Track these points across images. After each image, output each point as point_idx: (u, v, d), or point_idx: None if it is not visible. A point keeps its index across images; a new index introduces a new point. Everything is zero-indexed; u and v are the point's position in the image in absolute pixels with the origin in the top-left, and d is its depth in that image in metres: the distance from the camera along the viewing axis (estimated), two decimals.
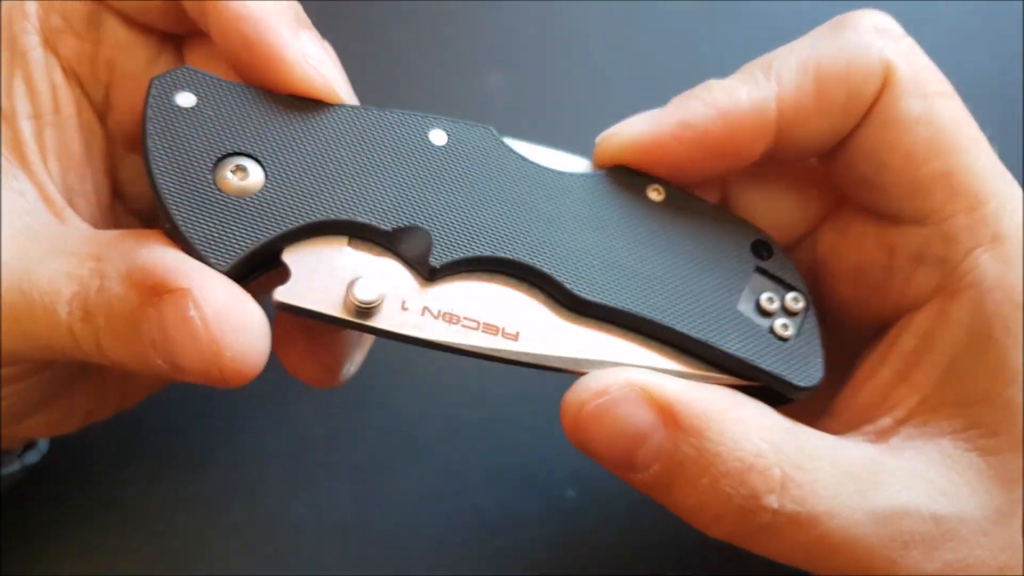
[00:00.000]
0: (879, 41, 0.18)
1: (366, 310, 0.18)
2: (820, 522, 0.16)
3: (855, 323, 0.21)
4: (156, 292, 0.16)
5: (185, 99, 0.18)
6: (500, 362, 0.19)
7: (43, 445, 0.26)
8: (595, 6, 0.36)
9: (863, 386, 0.20)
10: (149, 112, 0.18)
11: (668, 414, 0.16)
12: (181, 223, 0.17)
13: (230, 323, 0.16)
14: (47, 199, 0.20)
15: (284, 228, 0.18)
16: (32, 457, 0.25)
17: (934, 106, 0.18)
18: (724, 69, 0.36)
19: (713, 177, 0.20)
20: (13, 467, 0.24)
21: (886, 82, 0.18)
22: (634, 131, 0.19)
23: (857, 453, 0.18)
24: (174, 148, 0.18)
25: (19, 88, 0.19)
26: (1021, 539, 0.17)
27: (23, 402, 0.21)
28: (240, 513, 0.28)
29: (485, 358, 0.19)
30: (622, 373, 0.17)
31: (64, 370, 0.21)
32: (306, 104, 0.19)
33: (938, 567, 0.17)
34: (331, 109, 0.19)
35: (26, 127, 0.19)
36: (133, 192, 0.23)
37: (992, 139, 0.34)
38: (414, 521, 0.28)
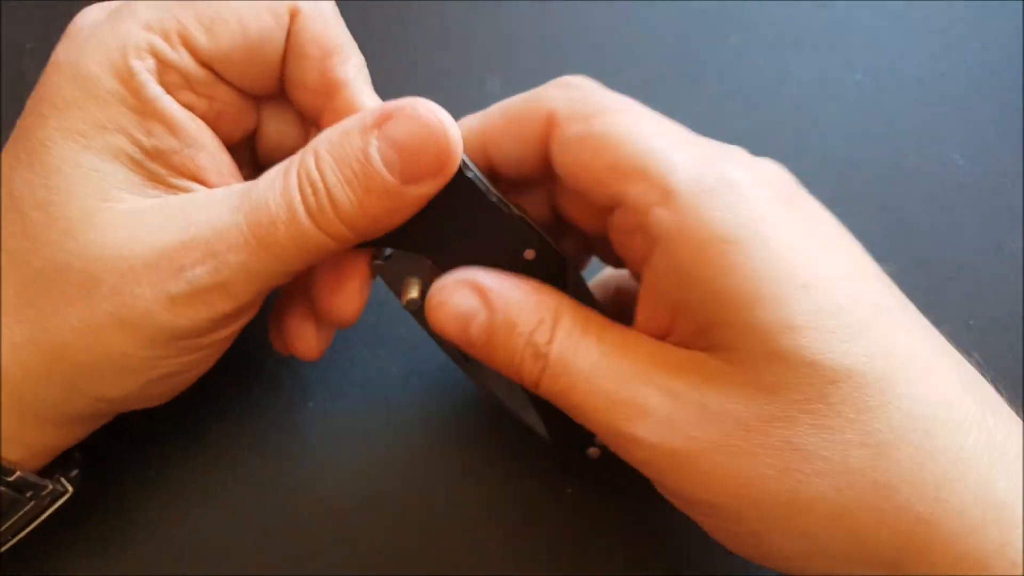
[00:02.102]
0: (553, 90, 0.23)
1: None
2: (573, 371, 0.21)
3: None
4: (378, 122, 0.21)
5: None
6: None
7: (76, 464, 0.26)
8: (593, 10, 0.37)
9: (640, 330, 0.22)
10: None
11: (485, 297, 0.21)
12: None
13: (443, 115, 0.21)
14: None
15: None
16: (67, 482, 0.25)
17: (593, 124, 0.21)
18: (721, 72, 0.36)
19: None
20: (51, 489, 0.24)
21: (550, 120, 0.22)
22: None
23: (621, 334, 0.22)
24: None
25: (158, 128, 0.22)
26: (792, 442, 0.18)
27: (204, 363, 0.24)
28: (248, 510, 0.28)
29: None
30: (455, 274, 0.22)
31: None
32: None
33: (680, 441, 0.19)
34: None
35: (181, 157, 0.22)
36: None
37: (999, 140, 0.34)
38: (414, 518, 0.28)
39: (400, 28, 0.36)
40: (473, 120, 0.24)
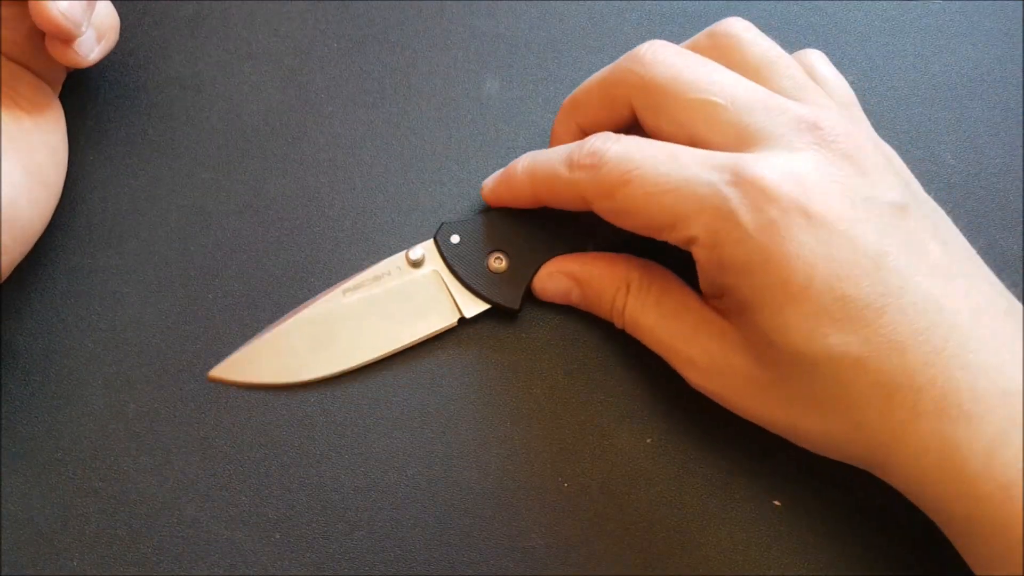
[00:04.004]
0: (579, 173, 0.27)
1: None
2: (641, 324, 0.29)
3: None
4: None
5: (455, 239, 0.31)
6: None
7: None
8: (591, 11, 0.37)
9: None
10: (442, 250, 0.31)
11: (575, 278, 0.30)
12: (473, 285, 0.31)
13: None
14: None
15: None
16: None
17: (616, 199, 0.27)
18: None
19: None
20: None
21: (586, 199, 0.28)
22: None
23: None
24: (460, 258, 0.31)
25: None
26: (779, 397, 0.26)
27: None
28: (246, 504, 0.29)
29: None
30: (552, 264, 0.31)
31: None
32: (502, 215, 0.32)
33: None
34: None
35: None
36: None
37: (991, 139, 0.34)
38: (413, 512, 0.28)
39: (399, 28, 0.36)
40: (526, 184, 0.30)
